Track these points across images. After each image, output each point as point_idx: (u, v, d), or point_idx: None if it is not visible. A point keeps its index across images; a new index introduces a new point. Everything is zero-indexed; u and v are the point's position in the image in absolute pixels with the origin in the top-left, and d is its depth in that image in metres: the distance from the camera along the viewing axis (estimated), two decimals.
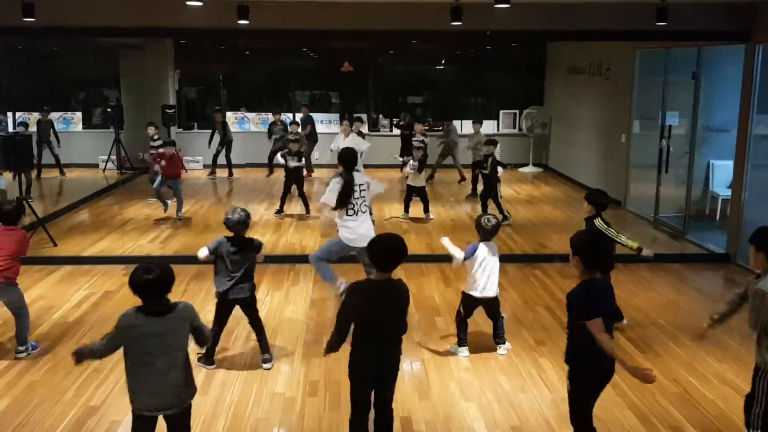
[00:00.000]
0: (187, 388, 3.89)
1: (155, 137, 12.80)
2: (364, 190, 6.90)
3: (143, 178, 14.90)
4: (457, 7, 7.97)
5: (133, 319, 3.70)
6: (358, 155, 9.41)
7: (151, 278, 3.64)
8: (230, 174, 15.01)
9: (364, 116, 15.97)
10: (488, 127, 16.69)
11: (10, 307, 5.95)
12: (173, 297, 7.97)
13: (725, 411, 5.21)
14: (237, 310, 5.88)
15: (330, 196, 6.80)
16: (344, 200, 6.76)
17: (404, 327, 4.24)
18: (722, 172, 10.03)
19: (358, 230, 6.80)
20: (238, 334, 6.48)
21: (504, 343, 6.20)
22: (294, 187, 11.30)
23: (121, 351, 3.79)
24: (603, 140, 12.92)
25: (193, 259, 8.83)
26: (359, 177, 6.94)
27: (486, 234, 6.03)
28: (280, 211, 11.35)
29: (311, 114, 15.28)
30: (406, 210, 11.14)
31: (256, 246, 5.81)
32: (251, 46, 17.08)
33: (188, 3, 7.98)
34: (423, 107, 18.12)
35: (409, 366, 5.91)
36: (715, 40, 9.30)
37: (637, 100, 11.54)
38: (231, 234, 5.69)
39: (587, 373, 4.13)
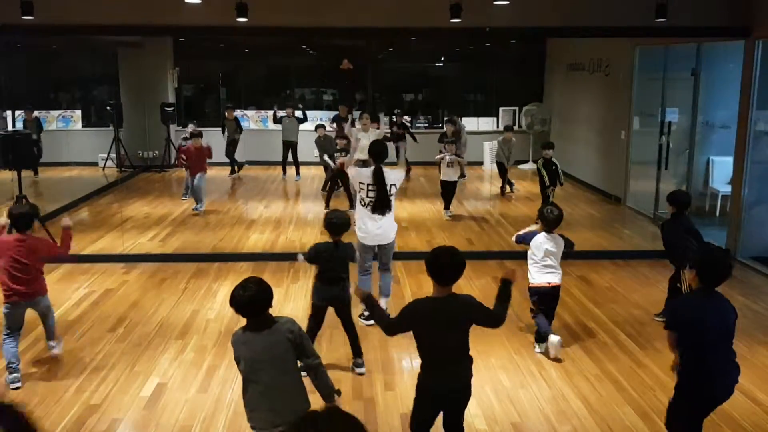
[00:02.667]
0: (301, 404, 3.76)
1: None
2: (393, 185, 6.47)
3: (143, 176, 14.93)
4: (456, 4, 7.96)
5: (240, 336, 3.75)
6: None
7: (249, 295, 3.64)
8: (233, 171, 15.05)
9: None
10: (488, 123, 16.74)
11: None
12: (173, 294, 7.97)
13: (725, 407, 5.19)
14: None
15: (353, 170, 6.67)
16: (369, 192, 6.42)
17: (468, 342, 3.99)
18: (722, 168, 10.03)
19: (372, 229, 6.47)
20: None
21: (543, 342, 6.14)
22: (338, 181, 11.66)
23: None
24: (603, 137, 12.91)
25: (192, 257, 8.91)
26: (388, 173, 6.47)
27: (548, 224, 5.98)
28: (327, 206, 11.47)
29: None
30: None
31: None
32: (250, 43, 17.07)
33: (187, 1, 7.98)
34: (424, 105, 18.12)
35: (409, 363, 5.91)
36: (715, 36, 9.30)
37: (637, 97, 11.54)
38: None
39: (678, 389, 4.08)
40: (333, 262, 5.63)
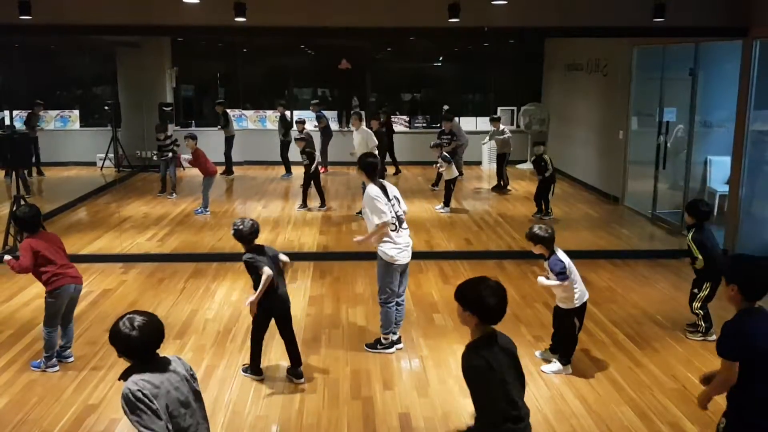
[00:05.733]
0: None
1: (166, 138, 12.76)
2: (395, 203, 5.96)
3: (141, 176, 14.91)
4: (454, 5, 7.97)
5: (150, 382, 3.09)
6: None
7: (148, 331, 3.09)
8: (230, 172, 15.01)
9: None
10: (486, 123, 16.73)
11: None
12: (171, 294, 7.93)
13: (723, 407, 5.20)
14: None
15: (380, 213, 5.77)
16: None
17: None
18: (720, 168, 10.04)
19: (402, 244, 5.91)
20: (236, 331, 6.48)
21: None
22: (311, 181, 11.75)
23: None
24: (601, 137, 12.92)
25: (190, 257, 8.91)
26: (390, 188, 6.02)
27: (551, 242, 5.60)
28: (303, 205, 11.66)
29: (323, 111, 15.27)
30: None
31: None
32: (248, 43, 17.07)
33: (185, 1, 7.97)
34: (423, 105, 18.13)
35: (407, 363, 5.91)
36: (712, 36, 9.31)
37: (635, 97, 11.55)
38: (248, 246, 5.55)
39: (728, 420, 3.70)
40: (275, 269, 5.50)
